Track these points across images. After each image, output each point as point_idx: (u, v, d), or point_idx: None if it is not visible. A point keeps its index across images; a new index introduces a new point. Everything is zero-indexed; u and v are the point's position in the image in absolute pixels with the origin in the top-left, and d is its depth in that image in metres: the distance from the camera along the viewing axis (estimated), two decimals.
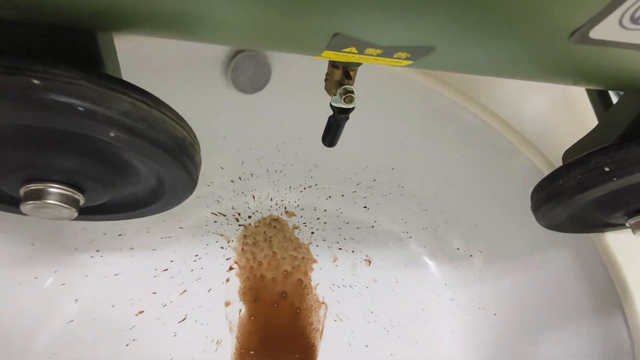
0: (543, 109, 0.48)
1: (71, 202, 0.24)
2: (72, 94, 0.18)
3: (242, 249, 0.58)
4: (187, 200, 0.30)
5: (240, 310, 0.55)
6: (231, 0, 0.17)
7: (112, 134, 0.20)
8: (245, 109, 0.49)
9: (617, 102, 0.34)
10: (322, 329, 0.56)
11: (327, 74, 0.32)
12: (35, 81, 0.18)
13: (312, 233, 0.61)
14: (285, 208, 0.61)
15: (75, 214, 0.25)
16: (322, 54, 0.22)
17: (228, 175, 0.58)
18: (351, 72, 0.31)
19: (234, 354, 0.52)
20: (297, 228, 0.61)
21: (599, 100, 0.38)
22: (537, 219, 0.36)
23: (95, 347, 0.48)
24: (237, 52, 0.42)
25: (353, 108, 0.33)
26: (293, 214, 0.62)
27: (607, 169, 0.28)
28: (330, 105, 0.34)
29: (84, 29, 0.21)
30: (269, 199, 0.61)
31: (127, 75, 0.24)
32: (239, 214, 0.59)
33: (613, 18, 0.18)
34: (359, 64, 0.31)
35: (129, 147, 0.21)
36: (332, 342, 0.55)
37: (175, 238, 0.56)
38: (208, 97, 0.46)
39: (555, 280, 0.49)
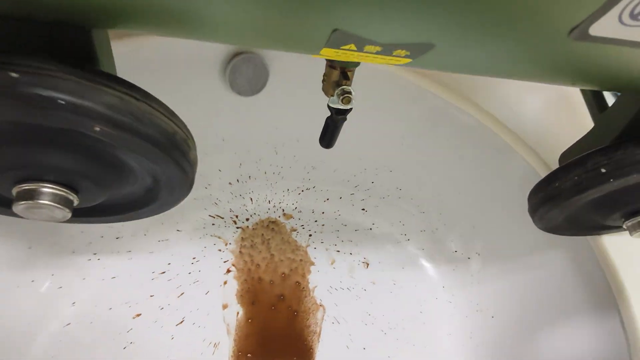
0: (540, 110, 0.48)
1: (65, 202, 0.24)
2: (53, 87, 0.18)
3: (240, 252, 0.58)
4: (184, 203, 0.30)
5: (237, 313, 0.54)
6: None
7: (97, 129, 0.19)
8: (243, 111, 0.49)
9: (613, 104, 0.34)
10: (320, 331, 0.56)
11: (324, 75, 0.32)
12: (14, 74, 0.17)
13: (310, 235, 0.61)
14: (283, 210, 0.61)
15: (69, 215, 0.24)
16: (321, 52, 0.22)
17: (226, 177, 0.58)
18: (349, 73, 0.31)
19: (232, 356, 0.52)
20: (294, 230, 0.61)
21: (594, 102, 0.38)
22: (535, 222, 0.36)
23: (93, 349, 0.48)
24: (235, 55, 0.42)
25: (351, 109, 0.33)
26: (291, 217, 0.61)
27: (603, 170, 0.28)
28: (328, 106, 0.34)
29: (78, 25, 0.20)
30: (267, 201, 0.61)
31: (124, 77, 0.24)
32: (237, 217, 0.59)
33: (612, 14, 0.18)
34: (357, 64, 0.31)
35: (116, 141, 0.20)
36: (330, 344, 0.55)
37: (173, 241, 0.56)
38: (206, 99, 0.46)
39: (552, 282, 0.49)
